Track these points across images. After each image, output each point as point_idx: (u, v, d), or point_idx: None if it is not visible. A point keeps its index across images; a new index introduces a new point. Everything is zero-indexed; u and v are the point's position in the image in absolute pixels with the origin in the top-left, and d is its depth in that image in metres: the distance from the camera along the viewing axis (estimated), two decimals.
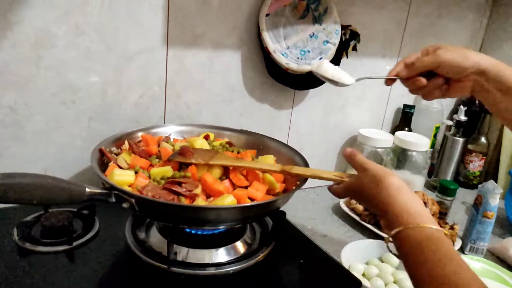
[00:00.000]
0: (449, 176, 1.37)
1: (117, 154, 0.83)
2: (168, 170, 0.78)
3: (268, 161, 0.87)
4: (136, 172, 0.77)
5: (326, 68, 0.80)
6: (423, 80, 0.73)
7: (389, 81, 0.78)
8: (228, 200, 0.71)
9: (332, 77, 0.79)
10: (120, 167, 0.79)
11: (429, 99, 0.77)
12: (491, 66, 0.68)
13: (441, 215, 1.06)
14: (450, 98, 0.75)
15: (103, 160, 0.80)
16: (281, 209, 0.80)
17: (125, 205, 0.67)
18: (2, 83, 0.82)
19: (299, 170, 0.78)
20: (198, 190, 0.73)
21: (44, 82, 0.85)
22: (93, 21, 0.85)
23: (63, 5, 0.82)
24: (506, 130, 1.31)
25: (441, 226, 0.99)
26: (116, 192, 0.67)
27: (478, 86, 0.71)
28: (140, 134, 0.91)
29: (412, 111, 1.30)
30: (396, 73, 0.76)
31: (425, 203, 1.03)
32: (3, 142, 0.86)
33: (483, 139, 1.34)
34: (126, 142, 0.86)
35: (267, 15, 0.98)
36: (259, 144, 0.96)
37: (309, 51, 1.04)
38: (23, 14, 0.79)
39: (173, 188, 0.70)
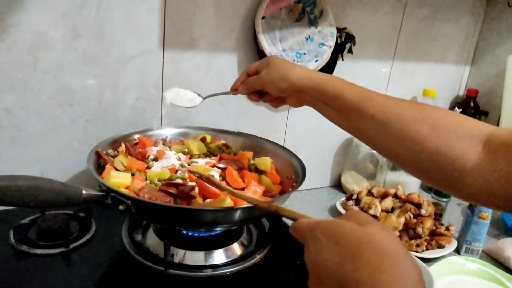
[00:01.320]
0: None
1: (113, 157, 0.83)
2: (164, 172, 0.78)
3: (265, 163, 0.88)
4: (132, 174, 0.77)
5: (165, 96, 0.87)
6: (256, 97, 0.79)
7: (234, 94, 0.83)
8: (225, 202, 0.71)
9: (174, 102, 0.85)
10: (117, 169, 0.79)
11: (275, 107, 0.83)
12: (310, 84, 0.68)
13: (437, 216, 1.06)
14: None
15: (99, 163, 0.80)
16: None
17: (121, 207, 0.67)
18: None
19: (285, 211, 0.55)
20: (195, 192, 0.73)
21: (41, 85, 0.85)
22: (90, 23, 0.85)
23: (60, 7, 0.82)
24: None
25: (436, 227, 1.00)
26: (112, 194, 0.67)
27: (305, 101, 0.72)
28: (136, 136, 0.92)
29: None
30: (234, 89, 0.81)
31: (420, 205, 1.04)
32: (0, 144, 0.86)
33: None
34: (122, 144, 0.86)
35: (263, 17, 0.99)
36: (256, 146, 0.97)
37: (305, 54, 1.05)
38: (20, 17, 0.80)
39: (170, 190, 0.71)
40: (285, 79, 0.70)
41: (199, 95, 0.87)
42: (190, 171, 0.75)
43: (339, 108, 0.65)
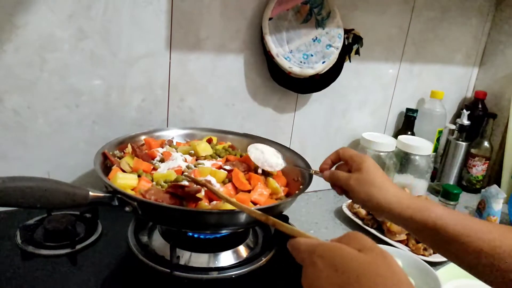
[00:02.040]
0: (452, 181, 1.36)
1: (120, 158, 0.83)
2: (171, 174, 0.78)
3: None
4: (139, 176, 0.77)
5: (251, 152, 0.84)
6: (339, 191, 0.71)
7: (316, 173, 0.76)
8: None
9: (256, 162, 0.82)
10: (123, 171, 0.79)
11: None
12: (403, 215, 0.60)
13: None
14: None
15: (106, 164, 0.80)
16: (284, 213, 0.80)
17: (127, 208, 0.67)
18: (6, 87, 0.82)
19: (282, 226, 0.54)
20: (201, 194, 0.73)
21: (48, 86, 0.85)
22: (97, 25, 0.86)
23: (67, 9, 0.82)
24: (509, 133, 1.31)
25: None
26: (119, 195, 0.67)
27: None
28: (143, 137, 0.92)
29: (415, 115, 1.30)
30: (321, 171, 0.73)
31: None
32: (7, 145, 0.86)
33: (486, 143, 1.33)
34: (129, 145, 0.86)
35: (270, 19, 0.98)
36: None
37: (312, 55, 1.04)
38: (28, 18, 0.80)
39: (176, 192, 0.70)
40: (374, 200, 0.63)
41: (283, 159, 0.84)
42: (186, 176, 0.75)
43: (440, 241, 0.58)
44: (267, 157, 0.83)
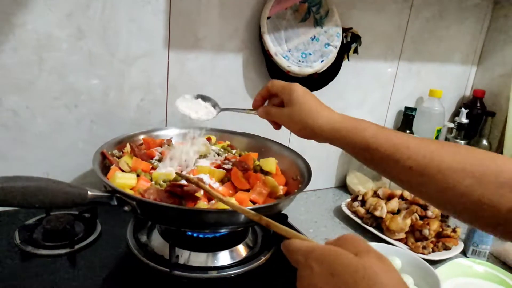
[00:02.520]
0: None
1: (119, 157, 0.83)
2: (169, 173, 0.78)
3: (271, 164, 0.87)
4: (138, 175, 0.77)
5: (178, 105, 0.81)
6: (275, 126, 0.75)
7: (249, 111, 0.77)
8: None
9: (184, 113, 0.81)
10: (122, 170, 0.79)
11: None
12: (337, 136, 0.64)
13: (443, 218, 1.05)
14: None
15: (105, 163, 0.80)
16: (283, 212, 0.80)
17: (126, 208, 0.67)
18: (5, 86, 0.82)
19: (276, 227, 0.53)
20: (199, 193, 0.73)
21: (46, 85, 0.85)
22: (95, 24, 0.85)
23: (65, 8, 0.82)
24: (507, 132, 1.31)
25: (443, 229, 1.00)
26: (117, 195, 0.67)
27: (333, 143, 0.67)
28: (141, 137, 0.92)
29: (413, 113, 1.30)
30: (255, 107, 0.75)
31: (426, 206, 1.03)
32: (5, 145, 0.86)
33: (484, 142, 1.33)
34: (127, 145, 0.86)
35: (268, 18, 0.98)
36: (260, 146, 0.96)
37: (310, 54, 1.04)
38: (26, 18, 0.80)
39: (175, 191, 0.70)
40: (308, 128, 0.65)
41: (213, 106, 0.84)
42: (178, 174, 0.75)
43: (372, 160, 0.61)
44: (196, 105, 0.82)
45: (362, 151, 0.61)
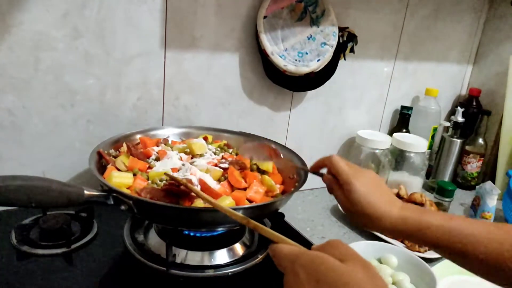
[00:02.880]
0: (447, 177, 1.37)
1: (115, 157, 0.83)
2: (167, 172, 0.78)
3: (267, 163, 0.87)
4: (134, 174, 0.77)
5: None
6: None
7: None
8: (226, 202, 0.71)
9: None
10: (118, 169, 0.79)
11: None
12: (406, 231, 0.62)
13: None
14: None
15: (101, 163, 0.80)
16: (279, 210, 0.80)
17: (123, 207, 0.67)
18: (1, 86, 0.82)
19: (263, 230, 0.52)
20: None
21: (43, 85, 0.85)
22: (91, 24, 0.85)
23: (61, 8, 0.82)
24: (503, 130, 1.32)
25: None
26: (114, 194, 0.67)
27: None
28: (138, 136, 0.92)
29: (409, 112, 1.31)
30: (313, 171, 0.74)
31: (423, 205, 1.04)
32: (2, 145, 0.86)
33: (480, 140, 1.34)
34: (124, 144, 0.86)
35: (264, 17, 0.98)
36: None
37: (306, 53, 1.04)
38: (22, 17, 0.79)
39: (172, 190, 0.70)
40: (375, 224, 0.63)
41: None
42: (167, 175, 0.75)
43: (444, 254, 0.61)
44: None
45: (431, 247, 0.61)
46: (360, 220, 0.65)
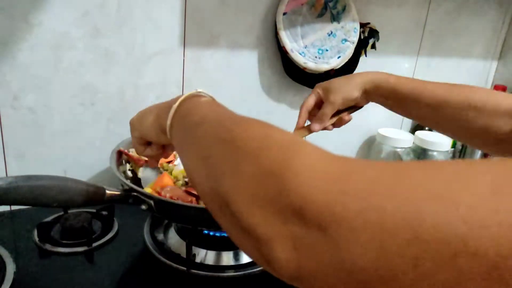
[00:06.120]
0: None
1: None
2: None
3: None
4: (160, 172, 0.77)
5: None
6: (331, 127, 0.80)
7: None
8: None
9: None
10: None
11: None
12: (373, 82, 0.74)
13: None
14: None
15: (121, 161, 0.80)
16: None
17: (143, 206, 0.66)
18: (22, 85, 0.83)
19: None
20: None
21: (63, 84, 0.86)
22: (111, 22, 0.85)
23: (81, 7, 0.82)
24: None
25: None
26: (135, 193, 0.67)
27: (370, 97, 0.76)
28: None
29: None
30: (303, 126, 0.79)
31: None
32: (23, 143, 0.86)
33: None
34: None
35: (284, 14, 0.97)
36: None
37: (327, 50, 1.03)
38: (43, 17, 0.80)
39: (194, 192, 0.70)
40: (354, 90, 0.74)
41: None
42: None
43: (397, 100, 0.72)
44: None
45: (389, 93, 0.73)
46: (341, 101, 0.75)
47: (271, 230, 0.25)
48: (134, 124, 0.56)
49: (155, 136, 0.51)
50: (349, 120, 0.81)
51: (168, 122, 0.44)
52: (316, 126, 0.76)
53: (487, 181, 0.19)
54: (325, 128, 0.78)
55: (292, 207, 0.24)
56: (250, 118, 0.35)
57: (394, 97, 0.72)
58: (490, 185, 0.19)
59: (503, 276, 0.17)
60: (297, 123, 0.78)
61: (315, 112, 0.77)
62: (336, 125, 0.79)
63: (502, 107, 0.63)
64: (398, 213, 0.20)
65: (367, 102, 0.79)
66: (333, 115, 0.76)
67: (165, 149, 0.57)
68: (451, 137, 0.72)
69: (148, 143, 0.57)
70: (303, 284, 0.25)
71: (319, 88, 0.76)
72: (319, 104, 0.77)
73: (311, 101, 0.77)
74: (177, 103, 0.45)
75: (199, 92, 0.48)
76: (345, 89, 0.74)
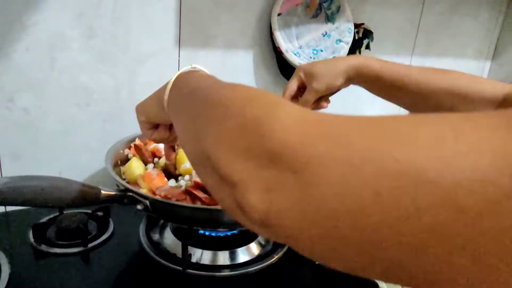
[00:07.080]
0: None
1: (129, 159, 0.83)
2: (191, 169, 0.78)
3: None
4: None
5: None
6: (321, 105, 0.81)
7: None
8: None
9: None
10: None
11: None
12: (356, 69, 0.73)
13: None
14: None
15: (117, 162, 0.80)
16: None
17: (139, 206, 0.67)
18: (17, 85, 0.82)
19: None
20: None
21: (58, 85, 0.86)
22: (106, 23, 0.85)
23: (77, 7, 0.82)
24: None
25: None
26: (130, 194, 0.67)
27: (352, 82, 0.77)
28: None
29: None
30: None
31: None
32: (19, 144, 0.86)
33: None
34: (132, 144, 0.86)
35: (279, 14, 0.98)
36: None
37: (321, 50, 1.03)
38: (38, 17, 0.80)
39: (194, 192, 0.70)
40: (338, 77, 0.73)
41: None
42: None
43: (381, 86, 0.73)
44: None
45: (373, 81, 0.73)
46: (325, 86, 0.74)
47: (247, 175, 0.26)
48: (138, 109, 0.58)
49: (157, 114, 0.54)
50: (327, 105, 0.81)
51: (166, 96, 0.48)
52: None
53: (449, 125, 0.21)
54: None
55: (269, 153, 0.25)
56: (238, 83, 0.36)
57: (378, 84, 0.72)
58: (451, 128, 0.20)
59: (458, 204, 0.18)
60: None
61: (296, 94, 0.77)
62: (313, 109, 0.79)
63: (487, 95, 0.63)
64: (365, 149, 0.21)
65: (348, 85, 0.79)
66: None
67: (171, 131, 0.59)
68: None
69: (156, 127, 0.58)
70: (271, 229, 0.26)
71: (301, 72, 0.75)
72: (300, 87, 0.77)
73: (294, 86, 0.76)
74: (173, 78, 0.49)
75: (194, 67, 0.52)
76: (329, 76, 0.73)
